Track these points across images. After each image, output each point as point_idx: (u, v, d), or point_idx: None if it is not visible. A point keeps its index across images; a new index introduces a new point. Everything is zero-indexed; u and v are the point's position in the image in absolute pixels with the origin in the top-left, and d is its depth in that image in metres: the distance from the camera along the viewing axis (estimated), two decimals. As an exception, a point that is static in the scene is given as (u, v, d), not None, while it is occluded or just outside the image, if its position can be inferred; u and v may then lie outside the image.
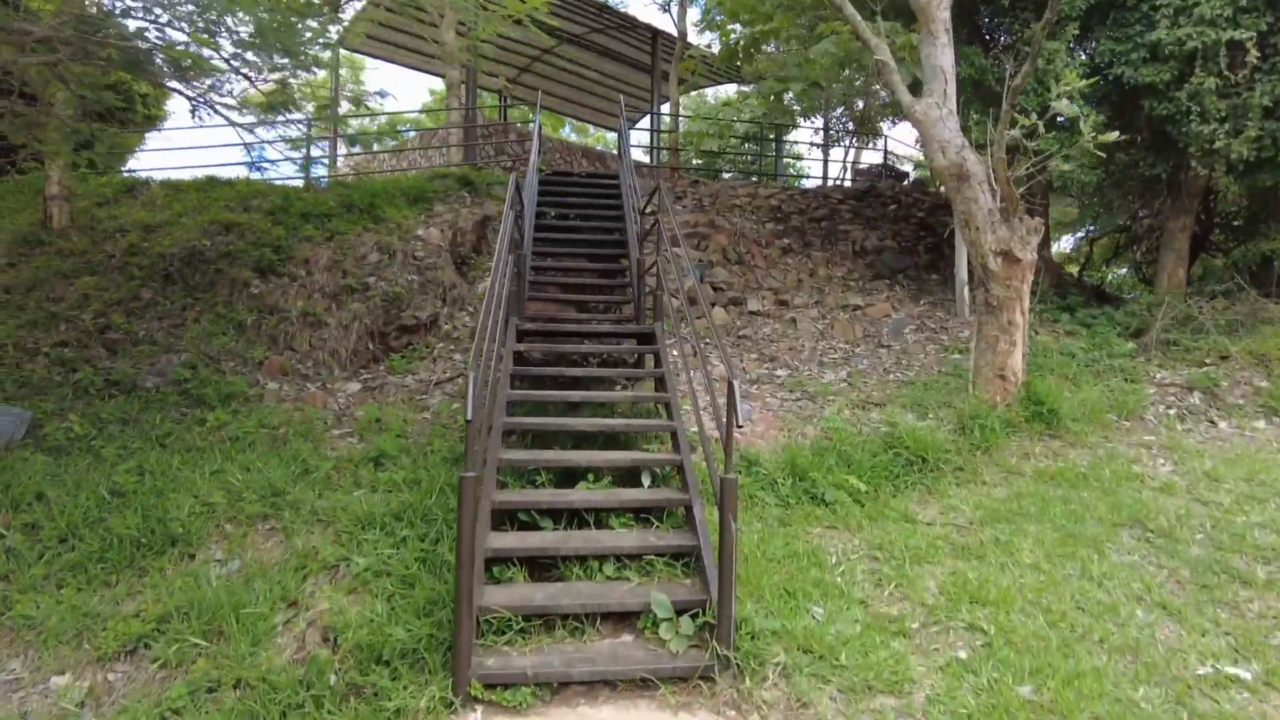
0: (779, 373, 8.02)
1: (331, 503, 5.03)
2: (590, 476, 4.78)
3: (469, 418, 3.42)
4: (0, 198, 9.91)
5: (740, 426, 3.68)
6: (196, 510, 4.88)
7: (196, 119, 7.46)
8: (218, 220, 8.88)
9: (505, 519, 4.52)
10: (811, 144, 21.03)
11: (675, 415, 5.38)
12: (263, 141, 10.65)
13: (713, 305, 9.25)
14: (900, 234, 11.95)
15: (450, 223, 9.29)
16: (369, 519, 4.80)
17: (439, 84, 20.03)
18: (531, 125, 11.42)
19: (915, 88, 7.43)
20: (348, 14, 15.69)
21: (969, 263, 10.06)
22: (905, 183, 14.07)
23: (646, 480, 4.87)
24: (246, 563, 4.53)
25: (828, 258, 10.75)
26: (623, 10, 16.13)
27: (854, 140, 20.06)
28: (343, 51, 24.91)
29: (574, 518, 4.54)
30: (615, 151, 17.46)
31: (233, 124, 7.73)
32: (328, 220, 9.08)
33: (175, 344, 7.30)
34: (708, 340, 8.55)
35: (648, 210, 7.93)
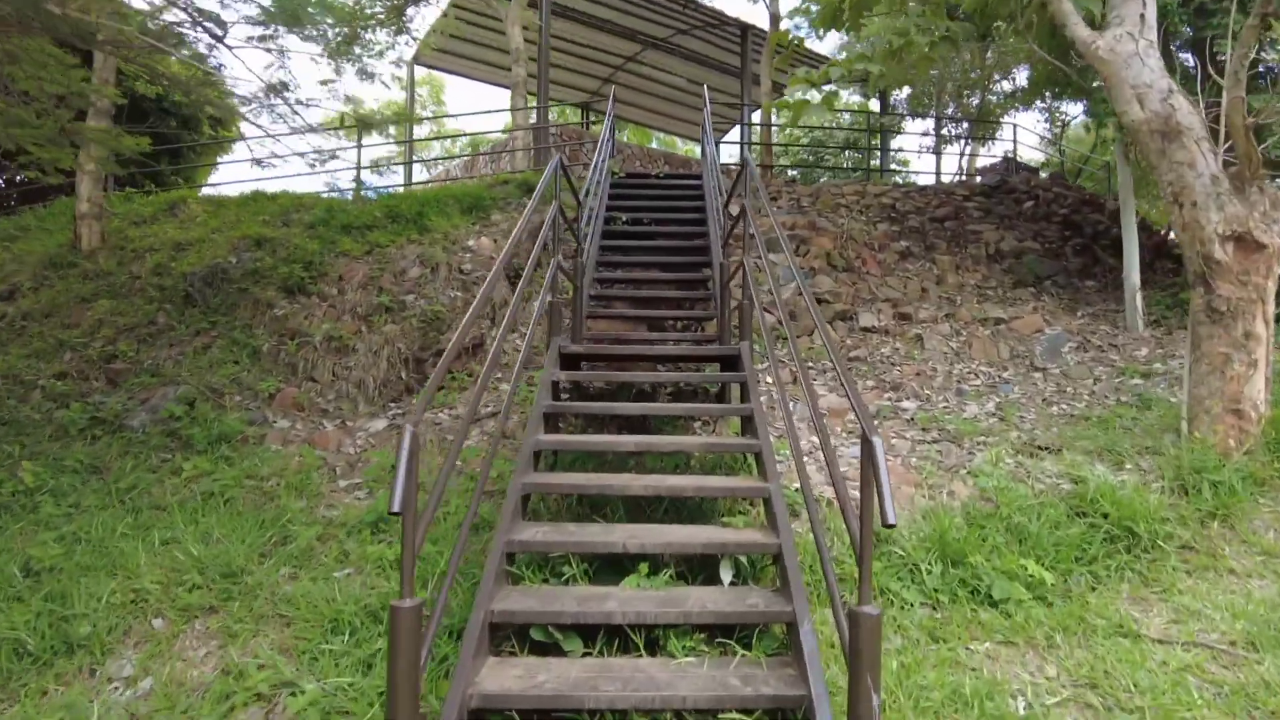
0: (905, 404, 6.27)
1: (297, 590, 3.70)
2: (644, 568, 3.22)
3: (394, 508, 1.98)
4: (42, 219, 9.37)
5: (891, 525, 2.06)
6: (119, 601, 3.64)
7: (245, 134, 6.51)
8: (249, 236, 7.93)
9: (511, 638, 3.04)
10: (921, 148, 18.89)
11: (769, 471, 3.78)
12: (319, 153, 9.82)
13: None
14: (1042, 234, 9.92)
15: (506, 232, 8.03)
16: (337, 619, 3.43)
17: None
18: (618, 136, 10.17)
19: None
20: (420, 29, 15.02)
21: (1141, 262, 8.03)
22: (1041, 176, 11.96)
23: (727, 573, 3.27)
24: (162, 683, 3.21)
25: (956, 262, 8.88)
26: (710, 7, 14.75)
27: (969, 139, 17.93)
28: (424, 72, 24.69)
29: (614, 636, 3.00)
30: (700, 158, 16.04)
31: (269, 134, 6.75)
32: (368, 232, 7.99)
33: (180, 375, 6.26)
34: (812, 364, 6.88)
35: (734, 195, 6.40)
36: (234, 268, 7.45)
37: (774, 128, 15.94)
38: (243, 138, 13.50)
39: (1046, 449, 5.08)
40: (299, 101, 7.06)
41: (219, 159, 14.94)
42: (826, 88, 7.44)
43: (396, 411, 6.28)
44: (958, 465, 5.02)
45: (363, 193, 9.51)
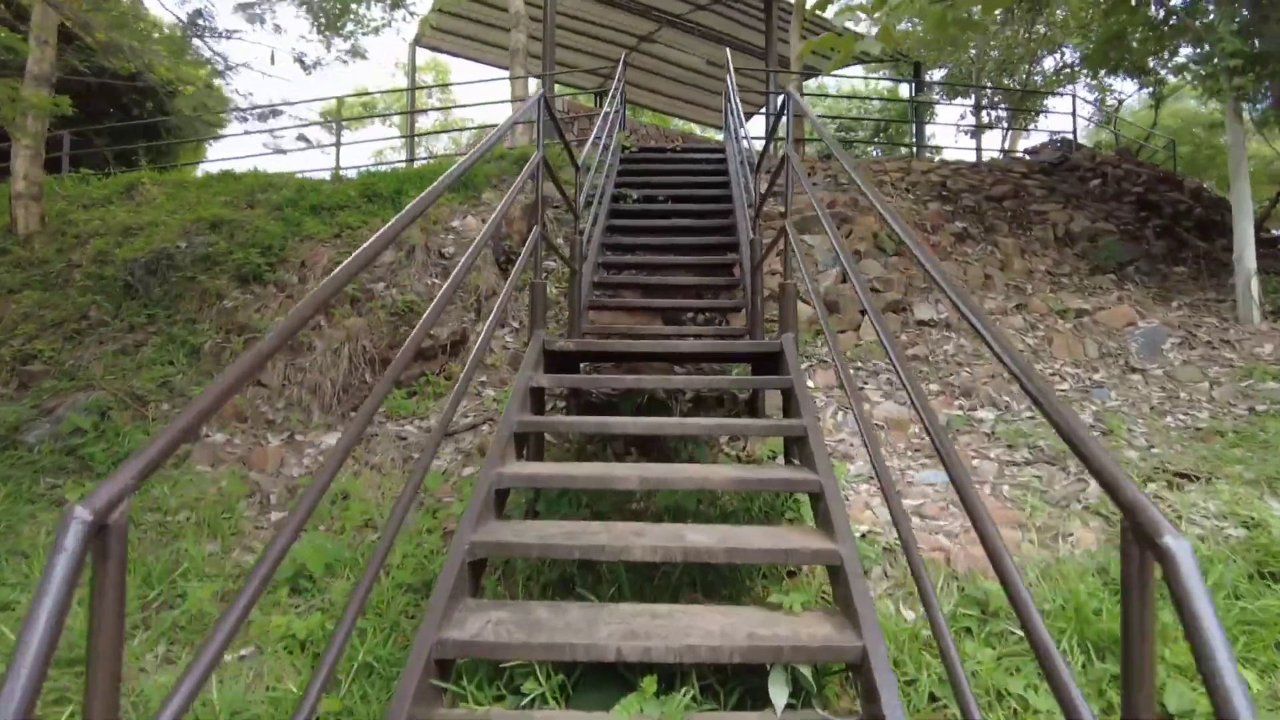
0: (981, 414, 5.08)
1: (151, 690, 2.59)
2: (650, 684, 2.06)
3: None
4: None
5: None
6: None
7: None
8: (204, 218, 6.87)
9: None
10: (959, 129, 17.58)
11: (835, 521, 2.60)
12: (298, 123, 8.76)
13: (861, 313, 6.39)
14: (1115, 215, 8.64)
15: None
16: (197, 743, 2.32)
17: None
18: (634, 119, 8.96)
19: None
20: (421, 7, 13.97)
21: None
22: (1109, 152, 10.66)
23: (781, 694, 2.09)
24: None
25: (1021, 246, 7.64)
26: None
27: (1012, 117, 16.59)
28: (434, 57, 23.70)
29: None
30: (720, 141, 14.81)
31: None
32: (339, 212, 6.91)
33: (102, 378, 5.20)
34: (859, 365, 5.71)
35: (767, 153, 5.24)
36: (182, 254, 6.39)
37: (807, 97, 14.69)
38: (233, 115, 12.53)
39: (1188, 476, 3.86)
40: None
41: (209, 141, 13.97)
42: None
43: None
44: (1068, 497, 3.83)
45: (341, 173, 8.42)
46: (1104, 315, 6.48)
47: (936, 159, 9.87)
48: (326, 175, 8.59)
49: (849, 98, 21.85)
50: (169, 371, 5.30)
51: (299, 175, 8.37)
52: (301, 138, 9.61)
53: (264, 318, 5.76)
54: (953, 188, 8.70)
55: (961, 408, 5.25)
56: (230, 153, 30.68)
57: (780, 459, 4.41)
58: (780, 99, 3.90)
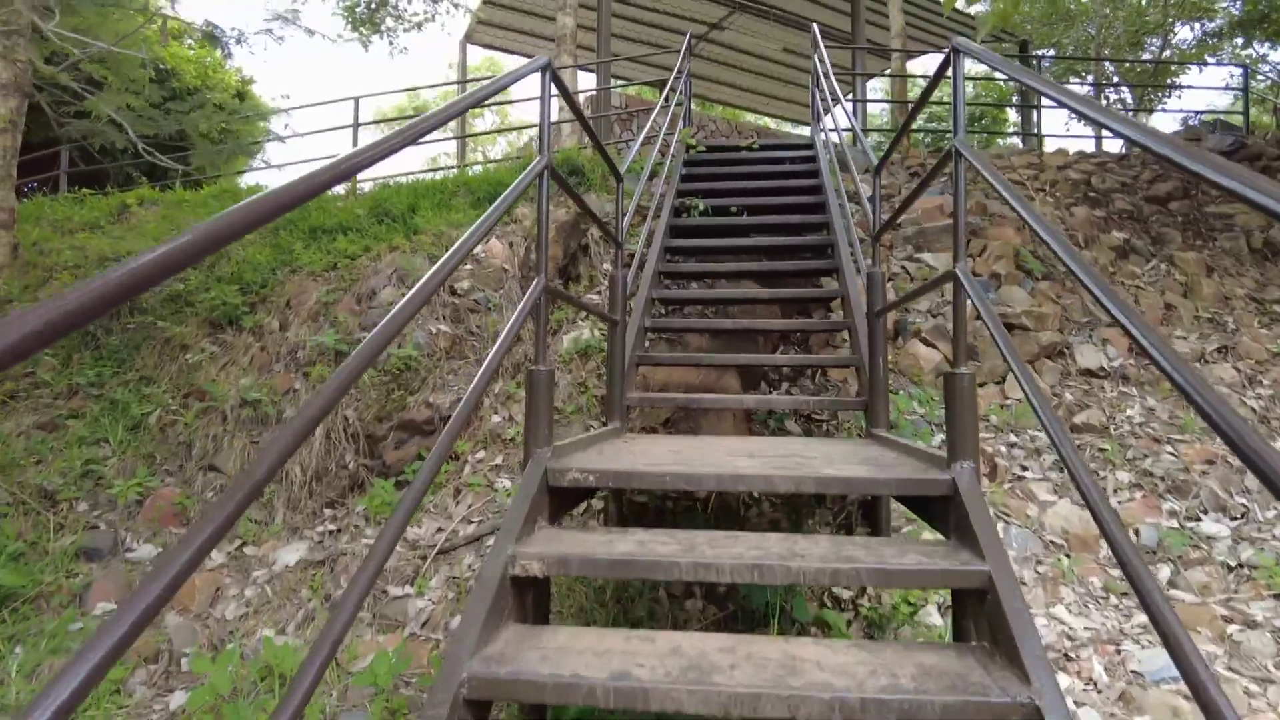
0: (1208, 527, 3.43)
1: None
2: None
3: None
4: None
5: None
6: None
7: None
8: (184, 245, 5.72)
9: None
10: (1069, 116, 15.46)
11: None
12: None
13: (1002, 351, 4.76)
14: (1317, 216, 6.70)
15: (528, 231, 5.54)
16: None
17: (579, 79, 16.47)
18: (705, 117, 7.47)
19: None
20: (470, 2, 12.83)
21: None
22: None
23: None
24: None
25: (1208, 262, 5.84)
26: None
27: (1139, 99, 14.40)
28: (488, 55, 22.71)
29: None
30: (806, 136, 13.15)
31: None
32: (340, 236, 5.67)
33: (10, 466, 4.05)
34: (989, 436, 4.15)
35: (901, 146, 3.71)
36: (150, 292, 5.25)
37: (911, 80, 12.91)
38: (264, 128, 11.61)
39: None
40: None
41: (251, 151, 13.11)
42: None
43: (333, 519, 3.88)
44: None
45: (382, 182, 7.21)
46: (1352, 361, 4.69)
47: (1074, 151, 8.04)
48: (366, 185, 7.38)
49: (923, 77, 19.73)
50: (97, 455, 4.11)
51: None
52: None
53: (228, 378, 4.54)
54: (1100, 186, 6.92)
55: (1174, 514, 3.61)
56: (283, 158, 30.41)
57: (934, 614, 2.88)
58: (941, 60, 2.38)
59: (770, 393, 4.58)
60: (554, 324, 5.03)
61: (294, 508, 3.99)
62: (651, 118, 5.25)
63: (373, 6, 10.94)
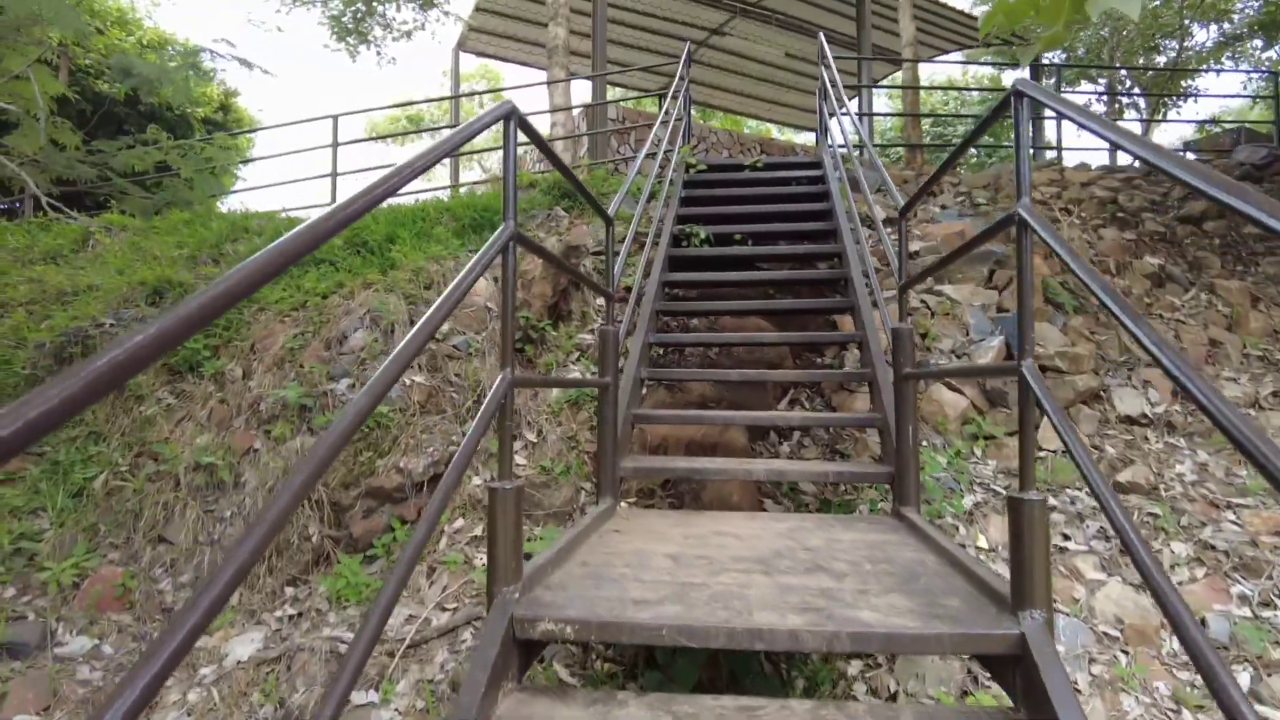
0: (1298, 625, 2.99)
1: None
2: None
3: None
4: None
5: None
6: None
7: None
8: (146, 282, 5.32)
9: None
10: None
11: None
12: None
13: (1039, 413, 4.34)
14: (1361, 234, 6.26)
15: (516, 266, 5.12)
16: None
17: (576, 89, 16.11)
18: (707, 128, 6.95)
19: None
20: (463, 8, 12.42)
21: None
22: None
23: None
24: None
25: (1252, 290, 5.40)
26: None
27: (1152, 106, 13.96)
28: (483, 63, 22.29)
29: None
30: (813, 148, 12.71)
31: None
32: (312, 270, 5.25)
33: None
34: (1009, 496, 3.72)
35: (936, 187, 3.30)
36: (105, 334, 4.84)
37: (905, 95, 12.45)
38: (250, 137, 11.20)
39: None
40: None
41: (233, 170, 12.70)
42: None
43: (289, 614, 3.45)
44: None
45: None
46: None
47: (1096, 166, 7.61)
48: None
49: (944, 89, 19.34)
50: (32, 529, 3.69)
51: (286, 214, 6.79)
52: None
53: (183, 435, 4.12)
54: (1128, 205, 6.49)
55: (1245, 599, 3.17)
56: (272, 178, 30.14)
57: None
58: (1002, 100, 1.96)
59: (780, 443, 4.16)
60: (543, 366, 4.61)
61: (251, 586, 3.57)
62: (652, 134, 4.84)
63: (359, 16, 10.52)
